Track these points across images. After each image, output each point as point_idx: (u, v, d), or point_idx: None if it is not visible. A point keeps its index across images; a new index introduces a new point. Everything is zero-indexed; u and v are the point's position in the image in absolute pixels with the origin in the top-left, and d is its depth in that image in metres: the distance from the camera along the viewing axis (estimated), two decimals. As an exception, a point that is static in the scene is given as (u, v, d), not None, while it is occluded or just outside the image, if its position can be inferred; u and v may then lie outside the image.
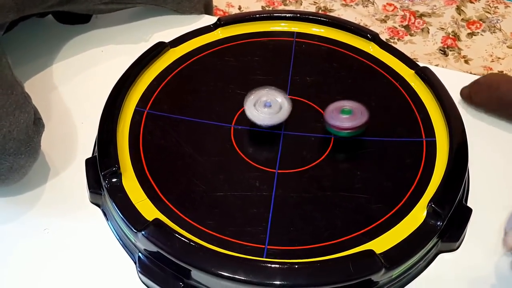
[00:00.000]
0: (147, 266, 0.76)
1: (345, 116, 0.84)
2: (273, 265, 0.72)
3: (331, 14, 1.19)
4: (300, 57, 0.98)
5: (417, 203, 0.79)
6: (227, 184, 0.81)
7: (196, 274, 0.73)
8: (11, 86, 0.82)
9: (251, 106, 0.85)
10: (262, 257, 0.73)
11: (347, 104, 0.85)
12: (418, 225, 0.76)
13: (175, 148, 0.85)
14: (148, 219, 0.75)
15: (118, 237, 0.81)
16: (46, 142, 0.85)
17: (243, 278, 0.70)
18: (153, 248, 0.74)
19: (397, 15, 1.20)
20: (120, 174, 0.80)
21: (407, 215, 0.78)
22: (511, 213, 0.76)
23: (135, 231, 0.74)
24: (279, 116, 0.85)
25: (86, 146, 0.90)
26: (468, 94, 0.95)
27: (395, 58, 0.98)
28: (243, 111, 0.86)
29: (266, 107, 0.84)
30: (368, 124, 0.85)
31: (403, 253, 0.74)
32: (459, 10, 1.22)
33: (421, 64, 0.98)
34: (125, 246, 0.80)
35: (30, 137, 0.80)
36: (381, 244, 0.75)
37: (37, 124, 0.83)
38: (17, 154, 0.78)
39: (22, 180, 0.82)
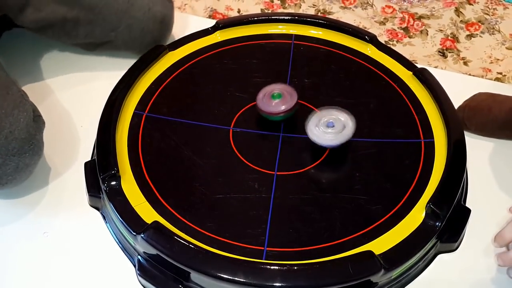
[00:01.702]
0: (147, 269, 0.76)
1: (276, 100, 0.86)
2: (272, 267, 0.72)
3: (330, 16, 1.19)
4: (298, 59, 0.98)
5: (415, 204, 0.79)
6: (226, 187, 0.82)
7: (195, 277, 0.73)
8: (6, 86, 0.82)
9: (313, 126, 0.82)
10: (262, 259, 0.73)
11: (276, 87, 0.87)
12: (417, 226, 0.77)
13: (174, 151, 0.85)
14: (147, 222, 0.75)
15: (117, 240, 0.81)
16: (45, 145, 0.85)
17: (242, 280, 0.70)
18: (153, 251, 0.74)
19: (396, 17, 1.20)
20: (119, 177, 0.80)
21: (406, 216, 0.78)
22: None
23: (134, 234, 0.75)
24: (344, 135, 0.82)
25: (85, 150, 0.91)
26: (462, 121, 0.93)
27: (393, 60, 0.98)
28: (242, 114, 0.86)
29: (329, 127, 0.82)
30: (298, 105, 0.86)
31: (402, 254, 0.74)
32: (457, 12, 1.21)
33: (419, 66, 0.98)
34: (124, 249, 0.80)
35: (31, 135, 0.80)
36: (380, 245, 0.75)
37: (37, 121, 0.83)
38: (21, 153, 0.78)
39: (21, 184, 0.82)
